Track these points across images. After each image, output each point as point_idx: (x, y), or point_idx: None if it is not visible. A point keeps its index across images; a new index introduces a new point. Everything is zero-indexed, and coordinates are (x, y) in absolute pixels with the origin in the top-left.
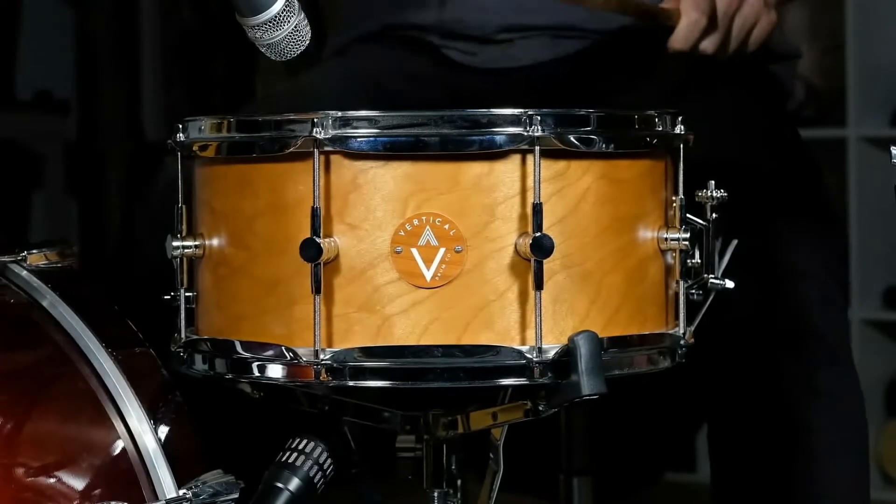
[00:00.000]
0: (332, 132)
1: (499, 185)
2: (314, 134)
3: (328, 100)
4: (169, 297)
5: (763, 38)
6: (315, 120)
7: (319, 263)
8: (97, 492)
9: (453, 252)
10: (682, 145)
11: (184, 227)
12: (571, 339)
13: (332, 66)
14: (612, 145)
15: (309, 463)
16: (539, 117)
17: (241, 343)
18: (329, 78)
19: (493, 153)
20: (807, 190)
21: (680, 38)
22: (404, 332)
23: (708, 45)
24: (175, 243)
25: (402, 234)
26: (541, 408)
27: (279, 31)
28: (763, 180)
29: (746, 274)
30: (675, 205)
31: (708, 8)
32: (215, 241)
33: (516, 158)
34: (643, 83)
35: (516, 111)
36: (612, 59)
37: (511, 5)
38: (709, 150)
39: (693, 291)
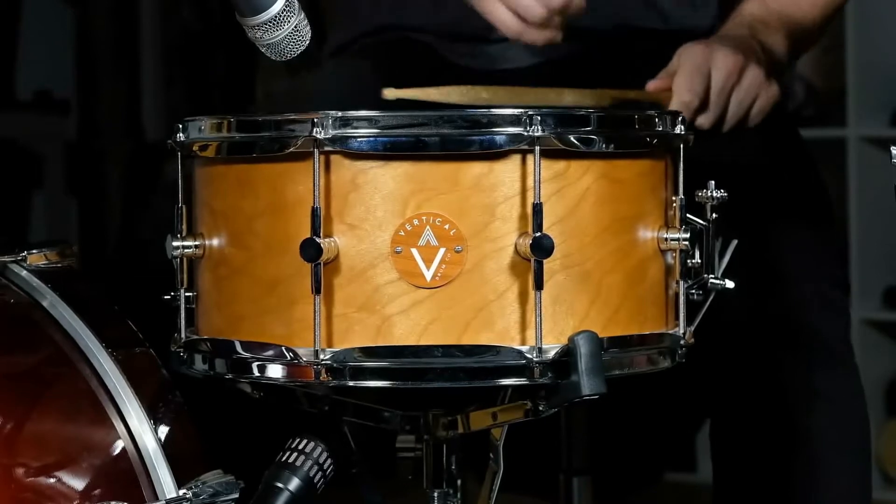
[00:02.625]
0: (332, 132)
1: (499, 185)
2: (314, 134)
3: (327, 102)
4: (169, 297)
5: (764, 112)
6: (315, 120)
7: (319, 263)
8: (97, 492)
9: (453, 252)
10: (681, 145)
11: (184, 227)
12: (571, 339)
13: (330, 69)
14: (612, 145)
15: (309, 463)
16: (539, 117)
17: (241, 343)
18: (328, 81)
19: (493, 153)
20: (805, 191)
21: None
22: (404, 332)
23: (703, 121)
24: (175, 243)
25: (402, 234)
26: (541, 408)
27: (279, 31)
28: (761, 181)
29: (745, 274)
30: (675, 205)
31: (701, 88)
32: (215, 241)
33: (516, 158)
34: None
35: (516, 111)
36: (609, 60)
37: None
38: (707, 150)
39: (693, 291)
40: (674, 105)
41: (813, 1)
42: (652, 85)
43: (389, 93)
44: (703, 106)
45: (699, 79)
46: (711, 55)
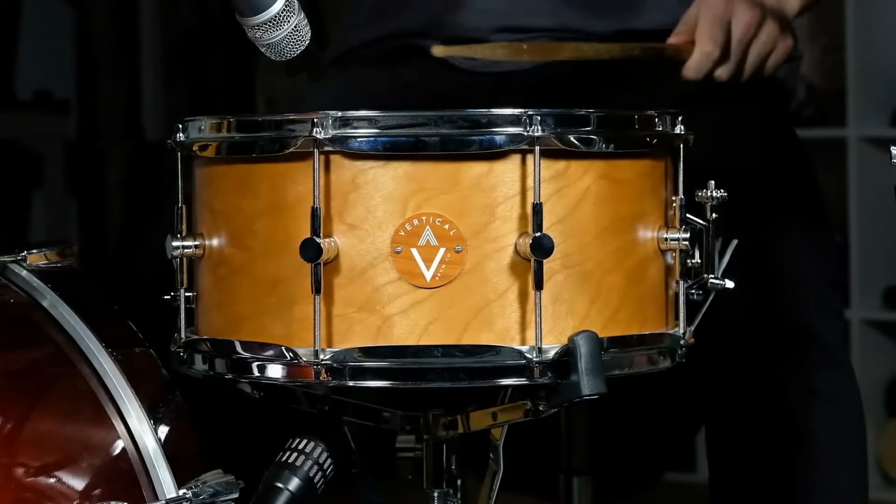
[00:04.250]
0: (331, 132)
1: (499, 185)
2: (314, 134)
3: (327, 107)
4: (169, 297)
5: (779, 63)
6: (315, 120)
7: (319, 263)
8: (97, 492)
9: (453, 252)
10: (681, 145)
11: (184, 227)
12: (571, 339)
13: (330, 74)
14: (612, 145)
15: (309, 463)
16: (539, 117)
17: (241, 343)
18: (328, 86)
19: (493, 153)
20: (802, 191)
21: (692, 68)
22: (404, 332)
23: (722, 73)
24: (175, 243)
25: (402, 233)
26: (541, 408)
27: (279, 31)
28: (759, 182)
29: (743, 275)
30: (675, 205)
31: (722, 38)
32: (215, 241)
33: (516, 158)
34: (642, 86)
35: (516, 111)
36: (611, 63)
37: (508, 7)
38: (708, 150)
39: (693, 291)
40: (696, 55)
41: None
42: (674, 39)
43: (438, 50)
44: (722, 57)
45: (719, 30)
46: (731, 7)
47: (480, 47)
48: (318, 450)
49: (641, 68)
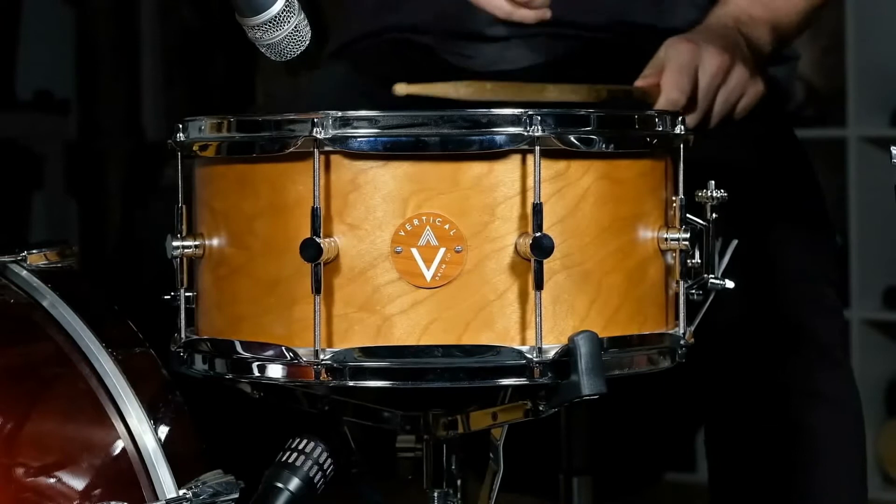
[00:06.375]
0: (332, 132)
1: (499, 185)
2: (314, 134)
3: (326, 103)
4: (169, 297)
5: (749, 108)
6: (315, 120)
7: (319, 263)
8: (97, 492)
9: (453, 252)
10: (682, 145)
11: (184, 226)
12: (571, 339)
13: (329, 69)
14: (613, 145)
15: (309, 463)
16: (539, 117)
17: (241, 343)
18: (327, 81)
19: (493, 153)
20: (801, 192)
21: None
22: (404, 332)
23: (689, 120)
24: (175, 243)
25: (403, 234)
26: (541, 408)
27: (279, 32)
28: (758, 182)
29: (742, 275)
30: (675, 205)
31: (689, 86)
32: (215, 241)
33: (516, 158)
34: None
35: (516, 111)
36: (607, 60)
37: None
38: (708, 150)
39: (693, 291)
40: (661, 102)
41: None
42: (641, 81)
43: (400, 88)
44: (689, 103)
45: (686, 78)
46: (699, 54)
47: (442, 86)
48: (318, 450)
49: (640, 69)
